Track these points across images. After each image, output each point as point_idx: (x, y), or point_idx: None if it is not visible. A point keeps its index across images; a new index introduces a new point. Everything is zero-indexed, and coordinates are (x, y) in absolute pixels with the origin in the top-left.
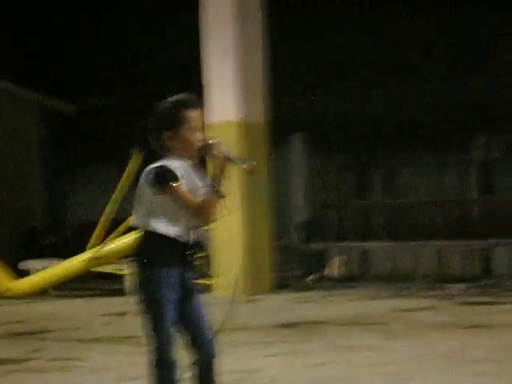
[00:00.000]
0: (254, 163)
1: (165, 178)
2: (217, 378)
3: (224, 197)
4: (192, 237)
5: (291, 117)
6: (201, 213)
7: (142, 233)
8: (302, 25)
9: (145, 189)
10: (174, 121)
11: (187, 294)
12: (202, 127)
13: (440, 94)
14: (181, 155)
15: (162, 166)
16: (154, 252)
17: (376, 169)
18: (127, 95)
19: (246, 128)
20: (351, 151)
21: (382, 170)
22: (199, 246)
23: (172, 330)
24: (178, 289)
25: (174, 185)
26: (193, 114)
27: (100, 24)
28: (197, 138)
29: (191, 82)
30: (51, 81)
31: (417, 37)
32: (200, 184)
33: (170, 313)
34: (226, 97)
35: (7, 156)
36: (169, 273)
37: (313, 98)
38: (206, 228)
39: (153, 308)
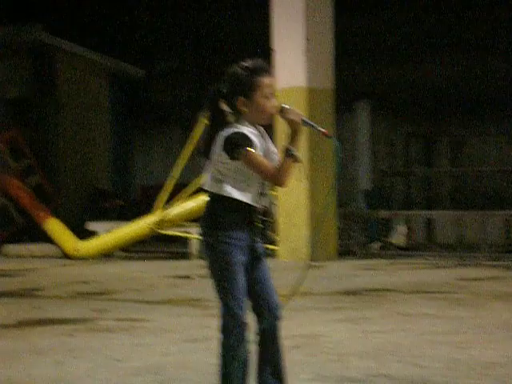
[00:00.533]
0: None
1: (240, 143)
2: (281, 342)
3: (300, 161)
4: (262, 203)
5: (358, 84)
6: (278, 177)
7: (213, 197)
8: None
9: (219, 153)
10: (248, 87)
11: (255, 257)
12: (275, 94)
13: (508, 63)
14: (253, 121)
15: (237, 132)
16: (225, 215)
17: (443, 137)
18: (195, 60)
19: (314, 94)
20: (418, 119)
21: (449, 139)
22: (268, 212)
23: (242, 292)
24: (246, 252)
25: (249, 150)
26: (267, 81)
27: None
28: (270, 104)
29: (259, 48)
30: (121, 46)
31: (487, 12)
32: (273, 149)
33: (240, 275)
34: (294, 63)
35: (78, 119)
36: (238, 236)
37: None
38: (273, 195)
39: (223, 271)
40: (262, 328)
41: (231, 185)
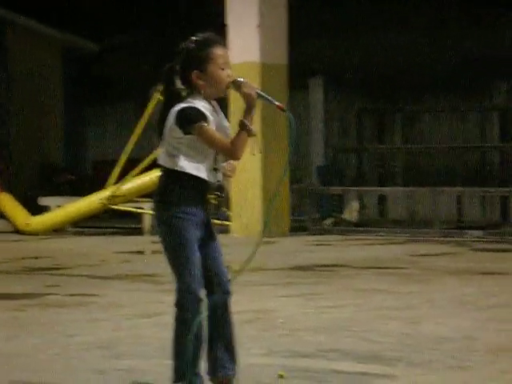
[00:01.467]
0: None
1: (194, 117)
2: (232, 317)
3: (255, 135)
4: (215, 178)
5: (312, 60)
6: (232, 151)
7: (167, 172)
8: None
9: (173, 128)
10: (201, 59)
11: (208, 233)
12: (229, 65)
13: (462, 40)
14: (209, 94)
15: (190, 106)
16: (178, 191)
17: (395, 113)
18: (149, 35)
19: (267, 69)
20: (371, 95)
21: (401, 115)
22: (221, 187)
23: (198, 268)
24: (200, 227)
25: (202, 124)
26: (219, 52)
27: None
28: (225, 74)
29: (213, 23)
30: (74, 19)
31: None
32: (225, 124)
33: (195, 251)
34: (248, 38)
35: (29, 93)
36: (192, 211)
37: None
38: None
39: (178, 246)
40: (212, 303)
41: (185, 159)
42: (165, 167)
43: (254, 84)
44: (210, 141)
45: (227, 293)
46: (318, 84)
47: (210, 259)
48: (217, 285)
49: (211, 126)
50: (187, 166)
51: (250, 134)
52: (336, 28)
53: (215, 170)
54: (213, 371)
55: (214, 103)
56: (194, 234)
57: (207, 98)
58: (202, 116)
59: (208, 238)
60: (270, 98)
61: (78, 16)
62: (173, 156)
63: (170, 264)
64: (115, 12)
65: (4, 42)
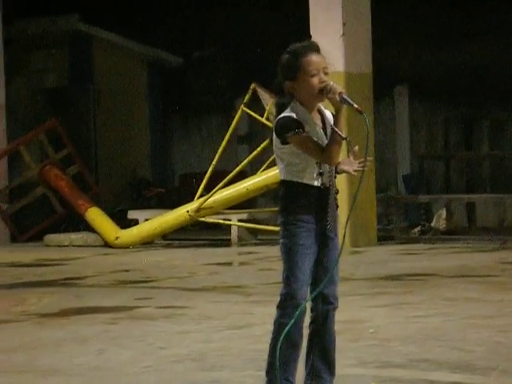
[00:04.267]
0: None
1: (287, 126)
2: (333, 329)
3: (345, 139)
4: (321, 182)
5: (396, 68)
6: (325, 156)
7: (280, 181)
8: None
9: (275, 139)
10: (292, 68)
11: (323, 241)
12: (324, 71)
13: None
14: (306, 102)
15: (284, 116)
16: (288, 199)
17: (482, 120)
18: (233, 48)
19: (352, 79)
20: (457, 102)
21: (488, 122)
22: (329, 190)
23: (305, 275)
24: (314, 235)
25: (296, 132)
26: (309, 59)
27: None
28: (315, 81)
29: (297, 33)
30: (158, 34)
31: None
32: (321, 129)
33: (305, 258)
34: (332, 48)
35: (116, 107)
36: (304, 218)
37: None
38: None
39: (289, 251)
40: (316, 313)
41: (288, 168)
42: (280, 177)
43: (339, 88)
44: (304, 148)
45: (330, 303)
46: (403, 92)
47: (321, 267)
48: (322, 296)
49: (305, 133)
50: (291, 174)
51: (340, 138)
52: (421, 36)
53: (321, 174)
54: (308, 380)
55: (320, 110)
56: (306, 242)
57: (306, 106)
58: (294, 124)
59: (323, 246)
60: (351, 101)
61: (162, 30)
62: (280, 166)
63: (283, 267)
64: (199, 25)
65: (91, 57)
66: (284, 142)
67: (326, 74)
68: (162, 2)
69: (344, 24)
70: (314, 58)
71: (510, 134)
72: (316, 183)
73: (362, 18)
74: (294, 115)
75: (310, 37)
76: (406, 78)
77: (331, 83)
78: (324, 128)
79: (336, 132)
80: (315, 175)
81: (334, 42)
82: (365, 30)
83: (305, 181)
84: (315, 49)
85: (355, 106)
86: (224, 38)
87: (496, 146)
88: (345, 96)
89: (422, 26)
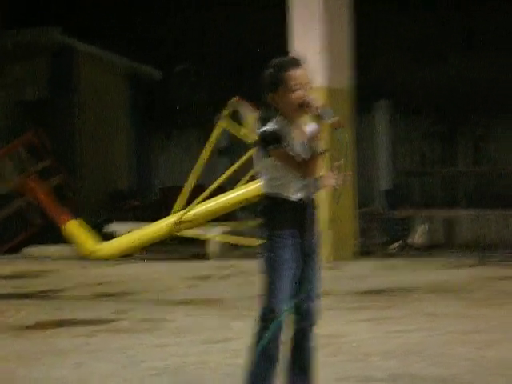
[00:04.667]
0: (339, 118)
1: (267, 140)
2: (311, 345)
3: (322, 153)
4: (305, 196)
5: (377, 84)
6: (303, 171)
7: (263, 195)
8: None
9: (256, 152)
10: (274, 83)
11: (305, 254)
12: (306, 86)
13: None
14: (288, 115)
15: (266, 129)
16: (270, 213)
17: (462, 136)
18: (213, 62)
19: (331, 94)
20: (437, 118)
21: (468, 138)
22: (310, 205)
23: (286, 290)
24: (297, 249)
25: (275, 146)
26: (291, 74)
27: None
28: (295, 96)
29: (276, 49)
30: (139, 47)
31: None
32: (300, 143)
33: (287, 272)
34: (312, 63)
35: (97, 120)
36: (287, 232)
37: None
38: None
39: (271, 265)
40: (294, 329)
41: (270, 181)
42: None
43: (317, 103)
44: (283, 162)
45: (307, 320)
46: (383, 107)
47: (300, 283)
48: (303, 311)
49: (284, 147)
50: (272, 187)
51: (316, 152)
52: (401, 52)
53: (305, 186)
54: None
55: (303, 123)
56: (291, 255)
57: (289, 120)
58: (273, 138)
59: (306, 260)
60: (326, 116)
61: (143, 44)
62: (263, 179)
63: (263, 281)
64: (180, 39)
65: (72, 70)
66: (265, 156)
67: (308, 88)
68: (143, 16)
69: (324, 39)
70: (295, 72)
71: (490, 151)
72: (296, 197)
73: (342, 33)
74: (275, 128)
75: (289, 52)
76: (387, 93)
77: (309, 98)
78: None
79: (311, 146)
80: (298, 189)
81: (313, 57)
82: (345, 45)
83: (285, 194)
84: (298, 63)
85: (329, 121)
86: (205, 52)
87: (475, 162)
88: (320, 111)
89: (402, 41)
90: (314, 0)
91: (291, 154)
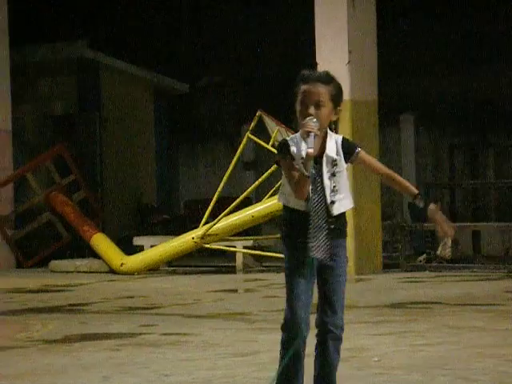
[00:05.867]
0: (312, 151)
1: (277, 150)
2: (332, 356)
3: (307, 176)
4: (308, 207)
5: (402, 96)
6: (293, 188)
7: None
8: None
9: None
10: (294, 93)
11: (322, 267)
12: (317, 103)
13: None
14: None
15: (281, 140)
16: (283, 223)
17: (488, 148)
18: (238, 74)
19: (358, 106)
20: (463, 130)
21: (494, 150)
22: (316, 217)
23: (298, 299)
24: (306, 260)
25: (280, 156)
26: (301, 88)
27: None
28: (302, 111)
29: (304, 62)
30: (165, 60)
31: None
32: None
33: (298, 282)
34: (338, 75)
35: (123, 134)
36: (293, 244)
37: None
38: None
39: (286, 275)
40: (317, 341)
41: (282, 191)
42: None
43: (311, 124)
44: (285, 172)
45: (330, 332)
46: (408, 120)
47: (322, 295)
48: (323, 322)
49: (289, 160)
50: (281, 197)
51: (304, 173)
52: (427, 64)
53: (307, 199)
54: None
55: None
56: (298, 266)
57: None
58: (282, 149)
59: (322, 273)
60: (309, 143)
61: (168, 57)
62: (280, 189)
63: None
64: (206, 52)
65: (98, 84)
66: (277, 164)
67: (318, 106)
68: (168, 30)
69: (350, 52)
70: (305, 87)
71: None
72: (302, 208)
73: (368, 46)
74: (287, 139)
75: (316, 64)
76: (412, 105)
77: (306, 119)
78: (320, 157)
79: (302, 167)
80: (302, 200)
81: (339, 70)
82: (371, 57)
83: (291, 205)
84: (318, 79)
85: (308, 150)
86: (230, 65)
87: (501, 174)
88: (305, 136)
89: (428, 54)
90: (341, 12)
91: (294, 167)
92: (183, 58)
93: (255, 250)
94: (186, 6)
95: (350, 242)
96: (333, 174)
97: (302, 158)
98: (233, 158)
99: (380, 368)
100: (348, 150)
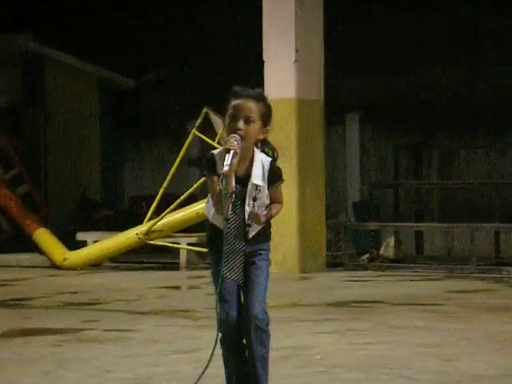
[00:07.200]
0: (226, 171)
1: (204, 164)
2: (256, 354)
3: (227, 194)
4: (226, 228)
5: (348, 95)
6: (213, 202)
7: None
8: (358, 5)
9: None
10: (226, 107)
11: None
12: (246, 118)
13: (499, 75)
14: None
15: (209, 153)
16: (206, 235)
17: (432, 149)
18: (184, 70)
19: (304, 105)
20: (408, 131)
21: (438, 151)
22: (231, 237)
23: (227, 302)
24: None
25: (206, 173)
26: (234, 102)
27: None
28: (231, 125)
29: (250, 59)
30: (111, 55)
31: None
32: (253, 180)
33: (222, 286)
34: (284, 74)
35: (68, 128)
36: (212, 256)
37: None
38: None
39: (213, 283)
40: (244, 335)
41: (207, 203)
42: None
43: (230, 143)
44: (209, 189)
45: (252, 327)
46: (354, 119)
47: (245, 291)
48: (245, 319)
49: (212, 175)
50: (206, 208)
51: (224, 191)
52: (372, 63)
53: (226, 220)
54: None
55: (253, 157)
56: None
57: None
58: (208, 164)
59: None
60: (229, 160)
61: (114, 52)
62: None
63: None
64: (151, 48)
65: (42, 78)
66: (203, 176)
67: (248, 122)
68: (114, 24)
69: (297, 50)
70: (238, 102)
71: (459, 164)
72: (220, 226)
73: (315, 45)
74: (216, 153)
75: (263, 62)
76: (357, 105)
77: (229, 137)
78: (245, 178)
79: (218, 184)
80: (221, 219)
81: (286, 68)
82: (317, 56)
83: (211, 220)
84: (250, 95)
85: (224, 168)
86: (176, 61)
87: (445, 175)
88: (224, 153)
89: (373, 53)
90: (288, 10)
91: (215, 182)
92: (129, 52)
93: (199, 246)
94: None
95: (293, 240)
96: (254, 199)
97: (222, 174)
98: (178, 155)
99: (322, 366)
100: (272, 179)
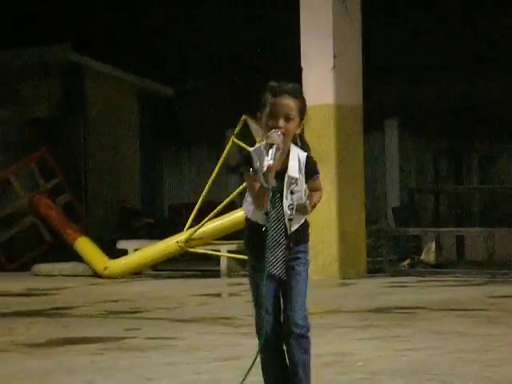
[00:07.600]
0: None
1: (242, 162)
2: (298, 358)
3: (268, 188)
4: (266, 222)
5: (387, 101)
6: (253, 199)
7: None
8: (397, 15)
9: None
10: (261, 104)
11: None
12: (287, 116)
13: None
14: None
15: (245, 151)
16: (244, 235)
17: (472, 153)
18: (224, 79)
19: (342, 111)
20: (447, 136)
21: (478, 155)
22: (274, 232)
23: (264, 306)
24: (262, 269)
25: (243, 170)
26: (272, 100)
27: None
28: (270, 123)
29: (288, 66)
30: (150, 64)
31: None
32: (290, 171)
33: (261, 291)
34: (322, 80)
35: (107, 137)
36: (252, 255)
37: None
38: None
39: (250, 285)
40: (285, 342)
41: (246, 203)
42: None
43: (273, 138)
44: (247, 186)
45: (291, 331)
46: (393, 125)
47: (284, 296)
48: (284, 325)
49: (250, 172)
50: (244, 206)
51: (263, 187)
52: (411, 69)
53: (266, 214)
54: None
55: (291, 152)
56: (259, 276)
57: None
58: (245, 161)
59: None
60: (273, 154)
61: (153, 61)
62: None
63: None
64: (191, 56)
65: (82, 87)
66: (241, 174)
67: (288, 119)
68: (154, 33)
69: (335, 57)
70: (277, 100)
71: (500, 168)
72: (260, 221)
73: (353, 51)
74: (253, 150)
75: (301, 69)
76: (396, 111)
77: (271, 132)
78: (282, 172)
79: (258, 179)
80: (261, 214)
81: (324, 75)
82: (355, 62)
83: (250, 217)
84: (287, 92)
85: (269, 162)
86: (216, 69)
87: (485, 179)
88: (268, 148)
89: (412, 59)
90: (325, 17)
91: (255, 178)
92: (168, 61)
93: (239, 254)
94: (171, 9)
95: (334, 247)
96: (291, 192)
97: (263, 169)
98: (217, 162)
99: (364, 373)
100: (308, 172)
